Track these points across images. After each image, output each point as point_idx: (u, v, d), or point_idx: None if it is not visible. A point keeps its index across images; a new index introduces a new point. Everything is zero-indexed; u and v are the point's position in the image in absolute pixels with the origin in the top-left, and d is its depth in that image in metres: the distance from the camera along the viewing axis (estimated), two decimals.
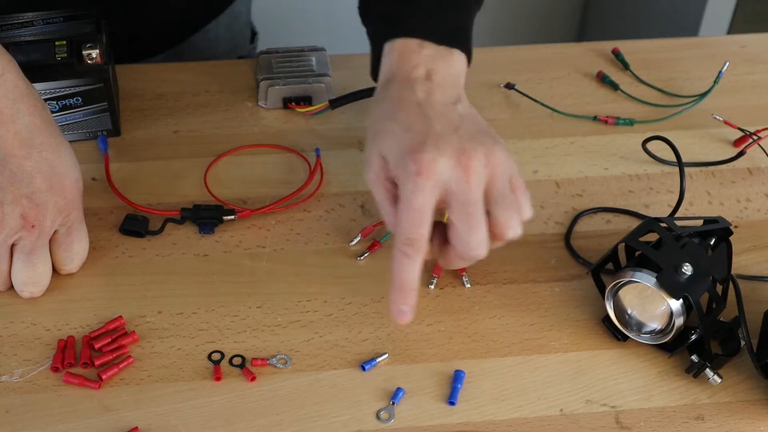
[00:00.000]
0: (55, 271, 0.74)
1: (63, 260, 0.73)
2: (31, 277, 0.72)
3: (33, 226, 0.69)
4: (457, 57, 0.72)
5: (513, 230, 0.65)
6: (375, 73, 0.75)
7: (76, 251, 0.74)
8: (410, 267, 0.64)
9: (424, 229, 0.64)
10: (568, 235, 0.80)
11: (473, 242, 0.64)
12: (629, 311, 0.71)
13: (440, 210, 0.65)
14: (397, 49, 0.72)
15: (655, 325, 0.70)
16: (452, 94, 0.70)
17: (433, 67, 0.70)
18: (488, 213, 0.65)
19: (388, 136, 0.66)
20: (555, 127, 0.91)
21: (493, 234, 0.65)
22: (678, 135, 0.89)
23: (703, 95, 0.94)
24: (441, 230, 0.67)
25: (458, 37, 0.73)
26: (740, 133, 0.89)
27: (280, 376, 0.69)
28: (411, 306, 0.65)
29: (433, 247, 0.67)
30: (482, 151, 0.64)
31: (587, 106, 0.94)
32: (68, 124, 0.85)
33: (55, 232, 0.72)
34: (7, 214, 0.68)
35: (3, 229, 0.69)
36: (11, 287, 0.73)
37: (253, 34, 1.17)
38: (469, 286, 0.75)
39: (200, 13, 1.04)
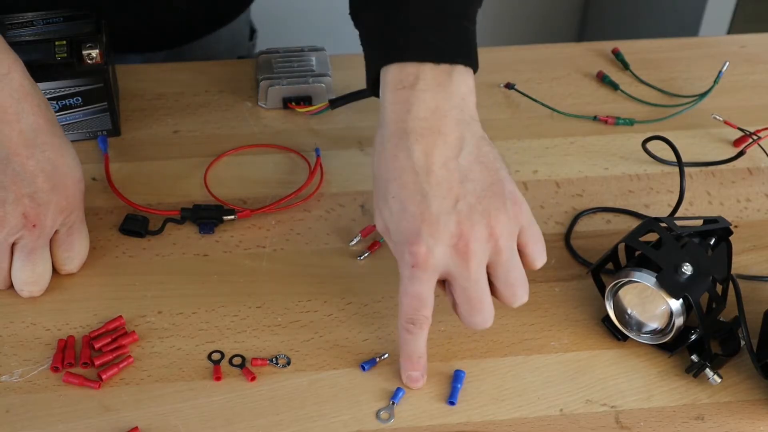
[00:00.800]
0: (55, 271, 0.74)
1: (63, 260, 0.73)
2: (31, 276, 0.71)
3: (34, 226, 0.69)
4: (460, 75, 0.66)
5: (518, 301, 0.67)
6: (371, 87, 0.69)
7: (76, 251, 0.74)
8: (414, 342, 0.66)
9: (425, 310, 0.65)
10: (568, 235, 0.80)
11: (476, 322, 0.66)
12: (629, 311, 0.71)
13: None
14: (390, 81, 0.65)
15: (655, 325, 0.70)
16: (454, 140, 0.64)
17: (432, 105, 0.64)
18: (493, 285, 0.66)
19: (386, 210, 0.65)
20: (555, 127, 0.91)
21: (499, 300, 0.67)
22: (678, 135, 0.89)
23: (703, 95, 0.94)
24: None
25: (459, 50, 0.67)
26: (740, 133, 0.89)
27: (280, 376, 0.69)
28: (421, 372, 0.67)
29: (450, 302, 0.67)
30: (483, 224, 0.63)
31: (587, 106, 0.94)
32: (68, 124, 0.85)
33: (56, 231, 0.72)
34: (8, 213, 0.68)
35: (4, 228, 0.69)
36: (11, 286, 0.73)
37: (252, 32, 1.17)
38: None
39: (203, 23, 1.04)
